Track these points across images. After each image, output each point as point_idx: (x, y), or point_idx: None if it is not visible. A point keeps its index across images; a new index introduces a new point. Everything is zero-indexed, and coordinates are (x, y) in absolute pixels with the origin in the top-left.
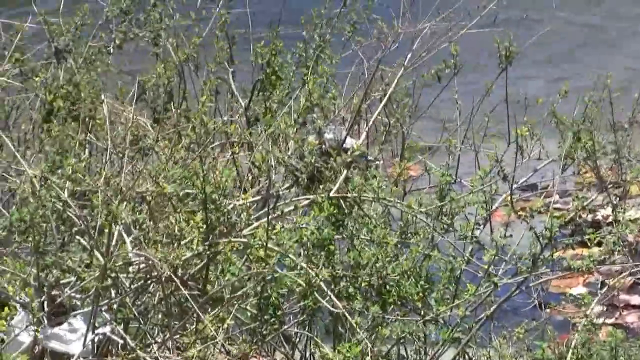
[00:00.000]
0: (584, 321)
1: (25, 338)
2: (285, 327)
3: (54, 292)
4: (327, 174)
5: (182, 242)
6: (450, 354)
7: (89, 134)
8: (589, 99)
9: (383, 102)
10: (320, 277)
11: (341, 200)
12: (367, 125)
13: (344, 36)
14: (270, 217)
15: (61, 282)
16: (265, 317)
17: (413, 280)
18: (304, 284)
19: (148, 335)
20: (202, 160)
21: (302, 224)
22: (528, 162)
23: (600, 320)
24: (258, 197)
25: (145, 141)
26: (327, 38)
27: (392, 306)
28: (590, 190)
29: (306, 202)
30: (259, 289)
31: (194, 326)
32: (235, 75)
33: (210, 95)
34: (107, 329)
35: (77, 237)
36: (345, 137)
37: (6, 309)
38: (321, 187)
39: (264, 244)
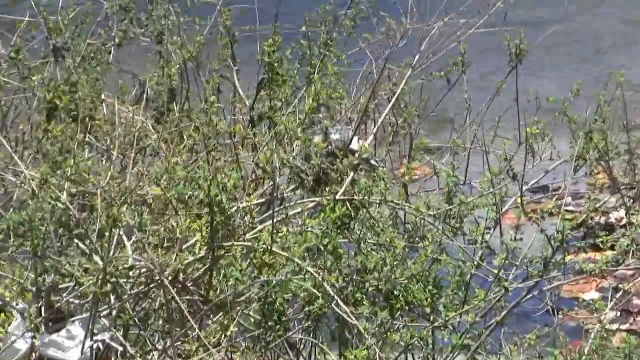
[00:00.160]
0: (597, 327)
1: (22, 345)
2: (290, 333)
3: (52, 298)
4: (333, 176)
5: (184, 246)
6: None
7: (88, 135)
8: (601, 98)
9: (391, 103)
10: (327, 281)
11: (347, 203)
12: (374, 126)
13: (347, 32)
14: (275, 220)
15: (59, 287)
16: (269, 323)
17: (421, 285)
18: (310, 289)
19: (148, 342)
20: (208, 162)
21: (307, 227)
22: (539, 163)
23: (614, 326)
24: (262, 200)
25: (146, 142)
26: (333, 36)
27: (400, 312)
28: (602, 192)
29: (312, 204)
30: (262, 294)
31: (195, 333)
32: (240, 73)
33: (213, 95)
34: (106, 336)
35: (76, 240)
36: (352, 138)
37: (2, 315)
38: (327, 189)
39: (269, 247)
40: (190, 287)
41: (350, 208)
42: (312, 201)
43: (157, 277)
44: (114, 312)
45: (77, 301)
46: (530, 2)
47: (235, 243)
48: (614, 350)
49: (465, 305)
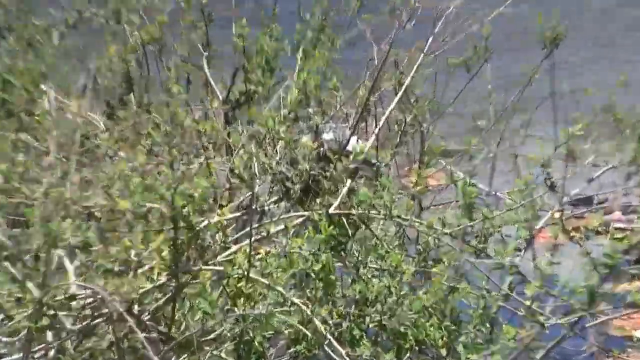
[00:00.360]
0: None
1: None
2: None
3: None
4: (326, 185)
5: (141, 271)
6: None
7: (24, 133)
8: None
9: (398, 95)
10: (317, 316)
11: (344, 218)
12: (377, 124)
13: (352, 11)
14: (253, 239)
15: None
16: None
17: (436, 320)
18: (297, 325)
19: None
20: (172, 166)
21: (294, 248)
22: (581, 170)
23: None
24: (238, 214)
25: (95, 142)
26: (330, 15)
27: (409, 353)
28: None
29: (299, 220)
30: (238, 331)
31: None
32: (212, 61)
33: (179, 85)
34: None
35: (6, 263)
36: (349, 138)
37: None
38: (318, 201)
39: (245, 273)
40: (148, 322)
41: (347, 224)
42: (300, 216)
43: (106, 309)
44: (51, 353)
45: (6, 339)
46: None
47: (204, 267)
48: None
49: (491, 345)
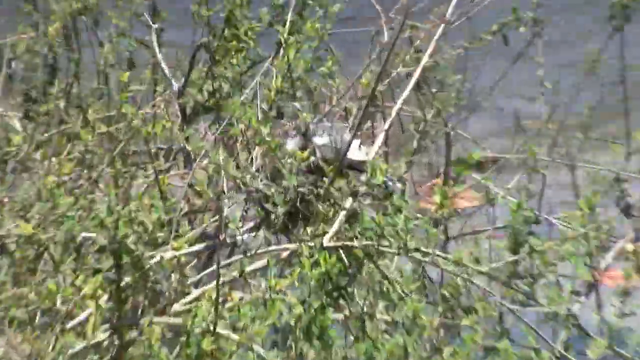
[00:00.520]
0: None
1: None
2: None
3: None
4: (319, 207)
5: (71, 324)
6: None
7: None
8: None
9: (412, 81)
10: None
11: (343, 253)
12: (386, 122)
13: None
14: (221, 280)
15: None
16: None
17: None
18: None
19: None
20: (116, 181)
21: (276, 293)
22: None
23: None
24: (200, 246)
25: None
26: None
27: None
28: None
29: (284, 254)
30: None
31: None
32: (163, 35)
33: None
34: None
35: None
36: (350, 143)
37: None
38: (308, 229)
39: (211, 327)
40: None
41: (347, 261)
42: (284, 249)
43: None
44: None
45: None
46: None
47: (156, 320)
48: None
49: None
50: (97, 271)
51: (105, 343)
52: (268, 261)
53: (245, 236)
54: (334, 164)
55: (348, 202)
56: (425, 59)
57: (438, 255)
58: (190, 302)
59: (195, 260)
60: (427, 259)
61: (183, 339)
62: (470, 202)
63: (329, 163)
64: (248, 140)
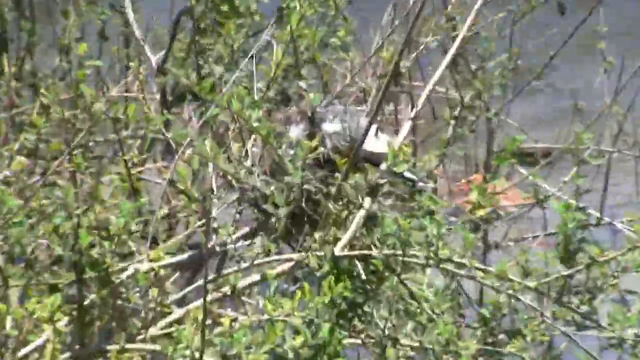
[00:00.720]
0: None
1: None
2: None
3: None
4: (330, 208)
5: (24, 352)
6: None
7: None
8: None
9: (447, 57)
10: None
11: (359, 262)
12: (413, 106)
13: None
14: (209, 298)
15: None
16: None
17: None
18: None
19: None
20: (74, 179)
21: (276, 314)
22: None
23: None
24: (184, 256)
25: None
26: None
27: None
28: None
29: (285, 266)
30: None
31: None
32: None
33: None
34: None
35: None
36: (367, 130)
37: None
38: (316, 235)
39: (197, 355)
40: None
41: (364, 274)
42: (287, 260)
43: None
44: None
45: None
46: None
47: (129, 346)
48: None
49: None
50: (54, 288)
51: None
52: (266, 275)
53: (239, 244)
54: (348, 155)
55: (365, 202)
56: (464, 29)
57: (476, 267)
58: (171, 325)
59: (178, 274)
60: (462, 272)
61: None
62: (516, 202)
63: (341, 155)
64: (242, 128)
